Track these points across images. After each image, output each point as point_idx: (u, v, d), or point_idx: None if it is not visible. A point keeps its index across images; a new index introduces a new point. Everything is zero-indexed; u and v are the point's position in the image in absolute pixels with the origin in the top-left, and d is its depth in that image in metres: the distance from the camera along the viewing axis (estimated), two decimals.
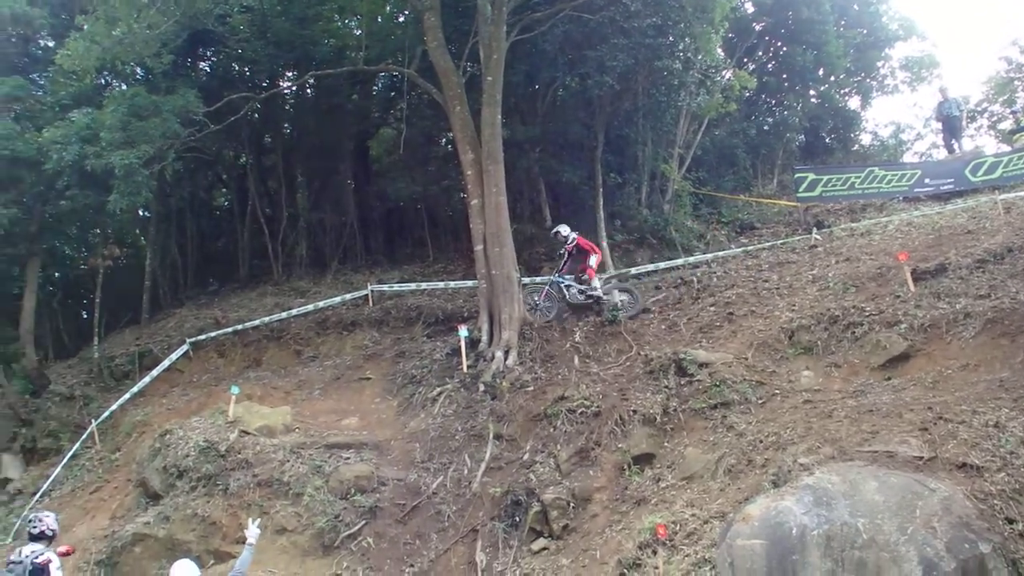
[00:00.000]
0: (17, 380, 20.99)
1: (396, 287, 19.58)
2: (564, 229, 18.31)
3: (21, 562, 8.71)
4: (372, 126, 25.43)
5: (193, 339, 19.51)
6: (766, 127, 26.40)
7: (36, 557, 8.73)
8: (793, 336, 13.59)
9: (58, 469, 17.65)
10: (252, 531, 9.20)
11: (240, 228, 24.69)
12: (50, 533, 9.12)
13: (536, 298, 17.86)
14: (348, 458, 13.58)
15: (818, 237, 18.74)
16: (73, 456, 17.77)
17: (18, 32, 21.85)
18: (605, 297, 17.35)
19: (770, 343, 13.69)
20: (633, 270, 18.35)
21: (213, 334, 19.56)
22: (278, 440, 14.19)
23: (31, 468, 18.93)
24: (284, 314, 19.29)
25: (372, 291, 19.27)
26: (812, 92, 26.94)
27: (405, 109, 20.75)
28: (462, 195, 20.51)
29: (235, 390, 15.46)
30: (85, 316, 26.18)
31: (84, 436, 18.14)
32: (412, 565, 11.74)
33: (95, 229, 24.32)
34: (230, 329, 19.41)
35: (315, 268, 22.77)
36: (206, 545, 12.92)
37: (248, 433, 14.33)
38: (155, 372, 19.07)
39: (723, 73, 22.35)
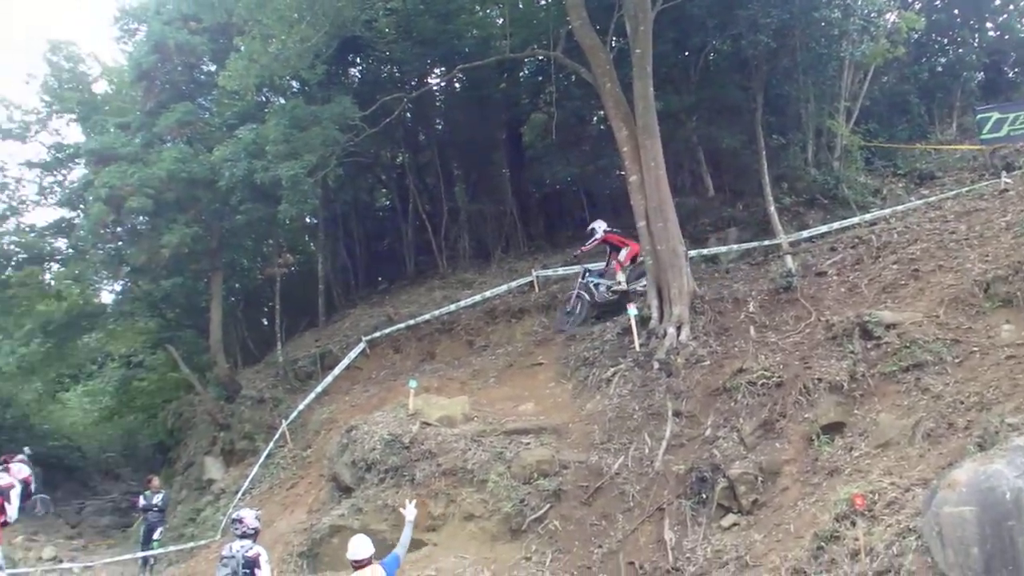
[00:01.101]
0: (212, 387, 22.39)
1: (560, 271, 19.61)
2: (597, 225, 18.42)
3: (234, 556, 9.40)
4: (523, 113, 25.53)
5: (369, 337, 20.19)
6: (939, 68, 24.68)
7: (247, 551, 9.34)
8: (989, 289, 12.69)
9: (255, 468, 18.69)
10: (409, 510, 10.12)
11: (403, 226, 25.37)
12: (251, 531, 9.78)
13: (568, 306, 18.19)
14: (528, 443, 13.72)
15: (1008, 180, 17.34)
16: (268, 455, 18.79)
17: (183, 60, 23.11)
18: (631, 288, 17.42)
19: (963, 298, 12.83)
20: (805, 233, 17.65)
21: (387, 331, 20.18)
22: (458, 429, 14.49)
23: (231, 469, 20.17)
24: (453, 306, 19.70)
25: (537, 277, 19.38)
26: (990, 24, 25.08)
27: (554, 92, 20.69)
28: (619, 173, 20.32)
29: (413, 384, 15.89)
30: (266, 323, 27.61)
31: (276, 436, 19.14)
32: (600, 546, 11.74)
33: (268, 239, 25.57)
34: (403, 325, 19.97)
35: (479, 259, 23.13)
36: (398, 534, 13.30)
37: (429, 424, 14.70)
38: (336, 371, 19.87)
39: (887, 16, 21.08)
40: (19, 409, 31.26)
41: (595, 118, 23.44)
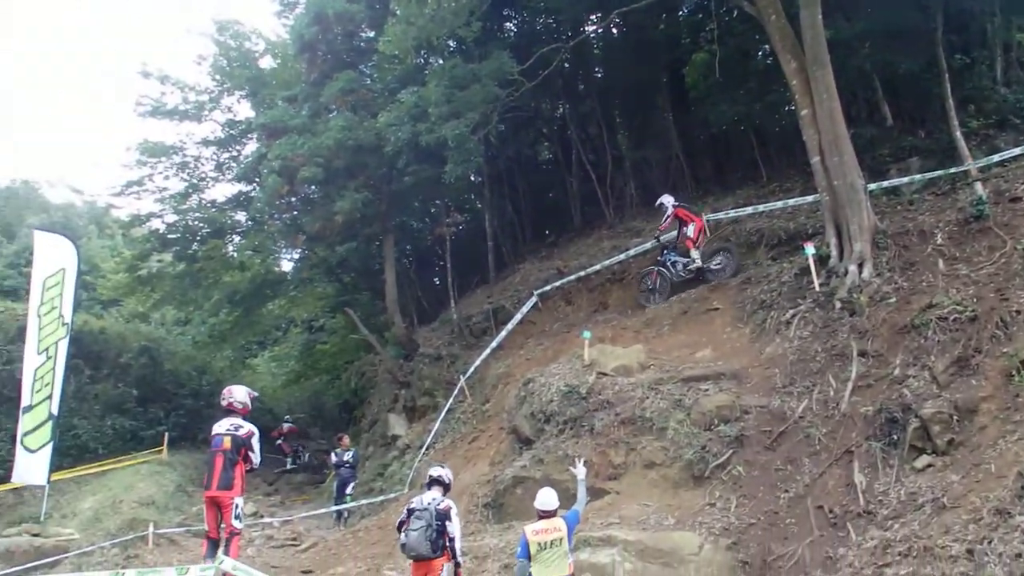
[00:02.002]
0: (391, 347, 23.45)
1: (732, 213, 19.35)
2: (665, 199, 18.44)
3: (426, 509, 9.85)
4: (684, 53, 25.13)
5: (540, 291, 20.61)
6: None
7: (439, 504, 9.87)
8: None
9: (437, 424, 19.53)
10: (580, 469, 10.50)
11: (567, 178, 25.61)
12: (446, 482, 10.33)
13: (648, 282, 18.50)
14: (707, 390, 13.77)
15: None
16: (448, 410, 19.59)
17: (343, 29, 23.97)
18: (706, 266, 17.73)
19: None
20: (996, 157, 16.69)
21: (557, 283, 20.53)
22: (635, 378, 14.70)
23: (414, 424, 21.15)
24: (623, 255, 19.80)
25: (708, 221, 19.23)
26: None
27: (715, 29, 20.24)
28: (789, 108, 19.77)
29: (587, 335, 16.19)
30: (438, 282, 28.54)
31: (455, 392, 19.91)
32: (786, 491, 11.71)
33: (435, 200, 26.33)
34: (573, 277, 20.26)
35: (646, 206, 23.06)
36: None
37: (605, 374, 14.97)
38: (509, 326, 20.43)
39: None
40: (213, 376, 33.57)
41: (760, 53, 22.81)
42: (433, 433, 19.55)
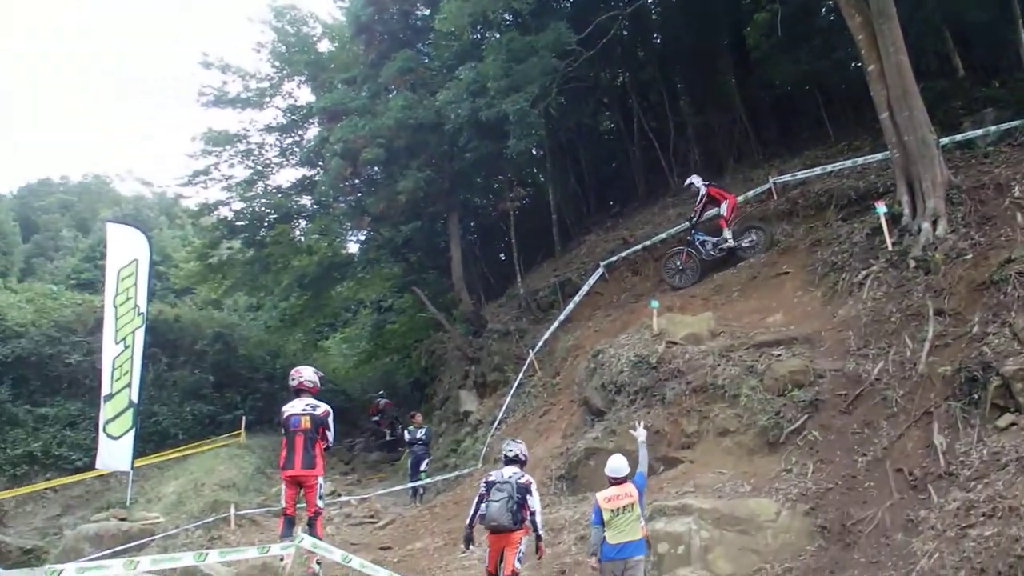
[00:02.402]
0: (459, 324, 23.69)
1: (799, 175, 19.06)
2: (696, 180, 18.35)
3: (508, 481, 10.07)
4: (744, 14, 24.75)
5: (606, 262, 20.58)
6: None
7: (520, 478, 10.06)
8: None
9: (508, 398, 19.70)
10: (640, 432, 10.78)
11: (630, 147, 25.48)
12: (523, 458, 10.52)
13: (677, 262, 18.38)
14: (779, 355, 13.63)
15: None
16: (519, 385, 19.72)
17: (398, 9, 24.12)
18: (738, 244, 17.68)
19: None
20: None
21: (624, 254, 20.47)
22: (705, 346, 14.63)
23: (485, 400, 21.36)
24: (688, 223, 19.64)
25: (774, 184, 18.96)
26: None
27: None
28: (855, 64, 19.35)
29: (654, 304, 16.16)
30: (504, 258, 28.66)
31: (525, 366, 20.03)
32: (864, 454, 11.57)
33: (498, 176, 26.37)
34: (639, 246, 20.18)
35: (710, 172, 22.79)
36: (653, 453, 13.76)
37: (675, 343, 14.93)
38: (576, 298, 20.46)
39: None
40: (286, 359, 34.24)
41: (823, 9, 22.38)
42: (504, 408, 19.73)
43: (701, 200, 18.43)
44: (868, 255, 15.05)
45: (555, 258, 24.17)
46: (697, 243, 18.37)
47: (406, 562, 14.22)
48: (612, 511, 9.58)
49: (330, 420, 10.37)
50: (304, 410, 10.25)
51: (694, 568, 11.09)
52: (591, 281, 20.62)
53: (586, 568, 11.93)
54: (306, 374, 10.68)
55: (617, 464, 9.91)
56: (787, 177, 19.16)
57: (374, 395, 32.18)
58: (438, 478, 20.10)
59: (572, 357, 18.78)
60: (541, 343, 20.27)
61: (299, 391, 10.57)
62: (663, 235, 19.93)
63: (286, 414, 10.39)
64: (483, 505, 10.05)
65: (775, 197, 18.88)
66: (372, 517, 19.08)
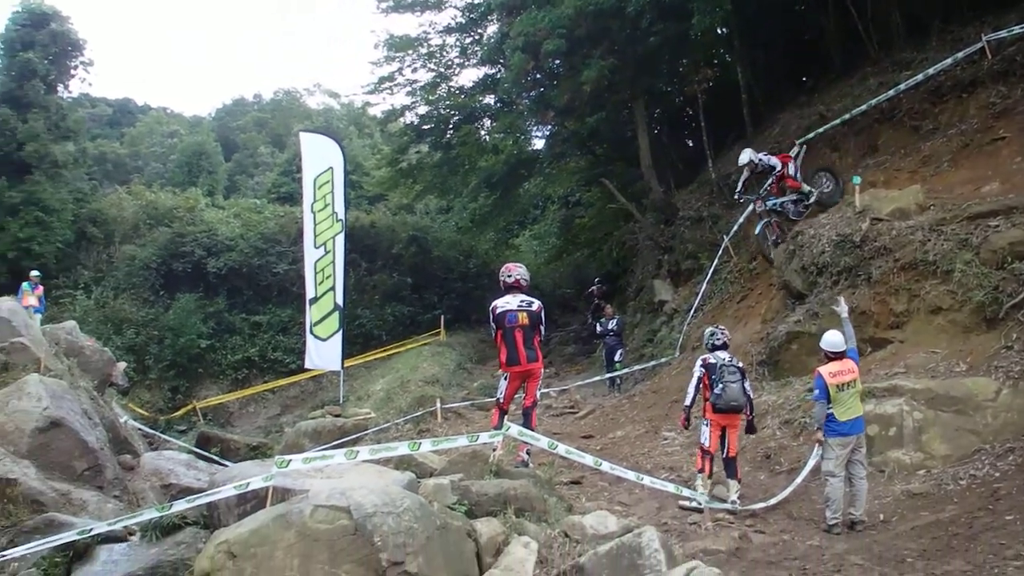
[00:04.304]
0: (649, 213, 23.64)
1: (1016, 29, 17.56)
2: (750, 155, 17.28)
3: (732, 363, 10.72)
4: None
5: (802, 139, 19.84)
6: None
7: (738, 362, 10.82)
8: None
9: (703, 286, 19.65)
10: (843, 307, 10.98)
11: (823, 16, 24.12)
12: (728, 342, 11.12)
13: (771, 235, 17.00)
14: (996, 226, 12.83)
15: None
16: (714, 272, 19.60)
17: None
18: (820, 193, 16.71)
19: None
20: None
21: (821, 130, 19.62)
22: (913, 221, 14.02)
23: (680, 289, 21.39)
24: (891, 92, 18.50)
25: (988, 41, 17.58)
26: None
27: None
28: None
29: (856, 180, 15.57)
30: (692, 143, 28.12)
31: (719, 252, 19.82)
32: None
33: (683, 59, 25.66)
34: (837, 121, 19.27)
35: (914, 35, 21.34)
36: (860, 334, 13.49)
37: (880, 219, 14.38)
38: (771, 179, 19.87)
39: None
40: (479, 259, 35.38)
41: None
42: (700, 296, 19.67)
43: (776, 174, 17.34)
44: None
45: (746, 139, 23.43)
46: (779, 208, 17.35)
47: (608, 449, 14.66)
48: (837, 387, 9.61)
49: (543, 316, 10.61)
50: (520, 306, 10.32)
51: (907, 450, 10.98)
52: None
53: (791, 451, 12.01)
54: (522, 271, 10.76)
55: (835, 338, 9.96)
56: (1002, 33, 17.66)
57: (563, 290, 32.85)
58: (635, 368, 20.38)
59: None
60: (735, 228, 19.91)
61: (513, 287, 10.59)
62: (863, 107, 18.90)
63: (500, 310, 10.40)
64: (719, 387, 10.43)
65: (989, 56, 17.53)
66: (572, 408, 19.66)
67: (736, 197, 18.37)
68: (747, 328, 16.79)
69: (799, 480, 10.69)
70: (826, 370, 9.70)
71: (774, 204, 17.34)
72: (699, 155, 24.76)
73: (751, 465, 12.09)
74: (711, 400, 10.64)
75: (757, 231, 17.41)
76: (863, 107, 18.75)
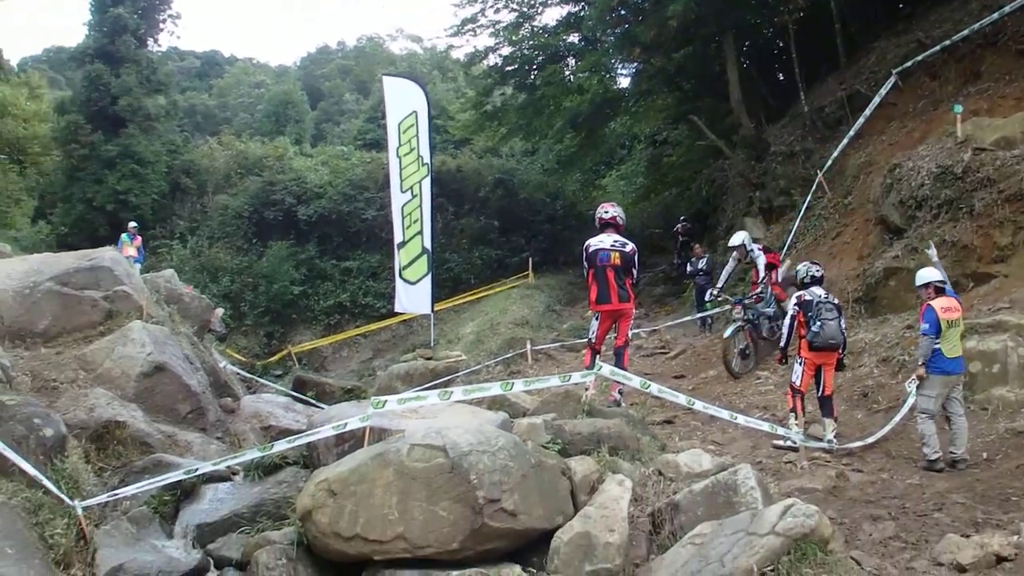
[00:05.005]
0: (740, 149, 23.18)
1: None
2: (743, 239, 15.89)
3: (830, 300, 10.73)
4: None
5: (899, 69, 19.17)
6: None
7: (834, 299, 10.91)
8: None
9: (796, 222, 19.28)
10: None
11: None
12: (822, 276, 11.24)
13: (738, 344, 14.92)
14: None
15: None
16: (807, 208, 19.21)
17: None
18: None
19: None
20: None
21: (919, 58, 18.90)
22: (1018, 150, 13.56)
23: (772, 226, 21.03)
24: (995, 15, 17.67)
25: None
26: None
27: None
28: None
29: (958, 109, 15.05)
30: (783, 76, 27.35)
31: (812, 188, 19.39)
32: None
33: None
34: (937, 48, 18.53)
35: None
36: (961, 269, 13.18)
37: (983, 150, 13.93)
38: (867, 112, 19.31)
39: None
40: (566, 200, 35.28)
41: None
42: (793, 233, 19.30)
43: (764, 271, 15.57)
44: None
45: (840, 70, 22.75)
46: (755, 321, 15.33)
47: (700, 389, 14.65)
48: (948, 322, 9.40)
49: (636, 258, 10.38)
50: (613, 246, 10.10)
51: (1011, 387, 10.75)
52: (883, 91, 19.25)
53: (889, 390, 11.82)
54: (618, 209, 10.60)
55: (932, 272, 9.85)
56: None
57: (652, 229, 32.61)
58: (726, 308, 20.17)
59: (864, 174, 17.91)
60: (830, 162, 19.45)
61: (607, 225, 10.38)
62: (965, 32, 18.09)
63: (593, 248, 10.21)
64: (816, 324, 10.35)
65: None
66: (663, 348, 19.64)
67: (715, 294, 16.90)
68: (842, 265, 16.46)
69: (897, 418, 10.55)
70: (939, 304, 9.47)
71: (753, 315, 15.43)
72: (791, 88, 24.09)
73: (847, 404, 11.97)
74: (808, 338, 10.53)
75: (727, 334, 15.18)
76: (965, 32, 18.00)
